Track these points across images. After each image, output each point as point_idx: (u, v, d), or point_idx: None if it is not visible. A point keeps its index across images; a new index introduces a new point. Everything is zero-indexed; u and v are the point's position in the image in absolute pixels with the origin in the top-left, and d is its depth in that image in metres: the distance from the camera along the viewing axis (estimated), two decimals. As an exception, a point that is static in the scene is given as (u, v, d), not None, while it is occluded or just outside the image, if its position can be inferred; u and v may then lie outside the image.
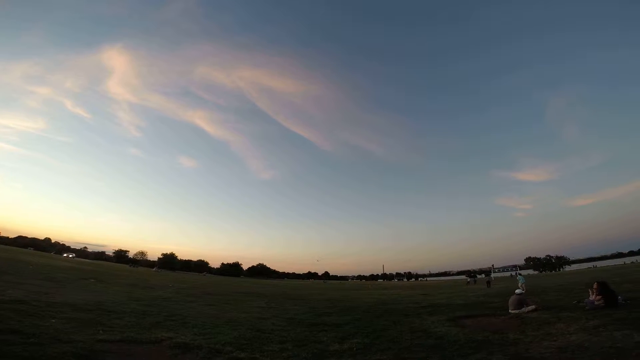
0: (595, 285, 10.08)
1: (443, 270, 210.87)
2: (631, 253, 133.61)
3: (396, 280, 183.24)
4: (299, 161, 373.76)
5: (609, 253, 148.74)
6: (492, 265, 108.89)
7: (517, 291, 11.42)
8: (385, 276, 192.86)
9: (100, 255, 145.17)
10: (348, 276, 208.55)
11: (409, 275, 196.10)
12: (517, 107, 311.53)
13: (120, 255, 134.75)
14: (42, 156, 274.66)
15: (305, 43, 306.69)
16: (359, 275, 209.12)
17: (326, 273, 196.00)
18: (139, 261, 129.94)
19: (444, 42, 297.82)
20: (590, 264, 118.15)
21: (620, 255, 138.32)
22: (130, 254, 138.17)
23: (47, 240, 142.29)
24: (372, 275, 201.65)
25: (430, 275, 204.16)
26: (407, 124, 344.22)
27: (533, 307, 10.37)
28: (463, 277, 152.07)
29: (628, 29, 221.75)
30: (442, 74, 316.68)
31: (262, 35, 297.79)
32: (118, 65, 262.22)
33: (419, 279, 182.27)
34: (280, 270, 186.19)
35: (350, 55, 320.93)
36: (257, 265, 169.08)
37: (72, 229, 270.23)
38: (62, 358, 4.79)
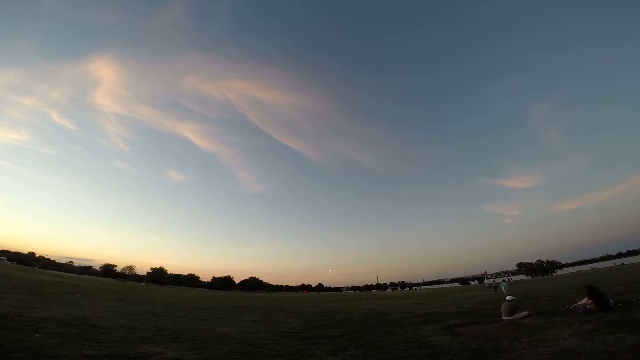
0: (585, 290, 10.18)
1: (437, 279, 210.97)
2: (620, 255, 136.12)
3: (390, 289, 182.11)
4: (289, 174, 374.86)
5: (598, 255, 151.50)
6: (485, 272, 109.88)
7: (509, 298, 11.45)
8: (379, 286, 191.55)
9: (86, 270, 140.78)
10: (342, 287, 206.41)
11: (402, 285, 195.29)
12: (501, 116, 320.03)
13: (108, 270, 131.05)
14: (25, 170, 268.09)
15: (294, 55, 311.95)
16: (353, 286, 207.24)
17: (320, 284, 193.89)
18: (128, 275, 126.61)
19: (430, 52, 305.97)
20: (582, 267, 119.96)
21: (609, 257, 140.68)
22: (118, 269, 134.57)
23: (31, 254, 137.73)
24: (367, 285, 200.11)
25: (424, 283, 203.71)
26: (396, 133, 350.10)
27: (526, 313, 10.39)
28: (457, 284, 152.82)
29: (608, 27, 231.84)
30: (429, 83, 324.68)
31: (251, 47, 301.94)
32: (105, 76, 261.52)
33: (413, 287, 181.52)
34: (273, 283, 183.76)
35: (339, 66, 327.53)
36: (250, 278, 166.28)
37: (58, 243, 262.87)
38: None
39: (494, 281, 62.81)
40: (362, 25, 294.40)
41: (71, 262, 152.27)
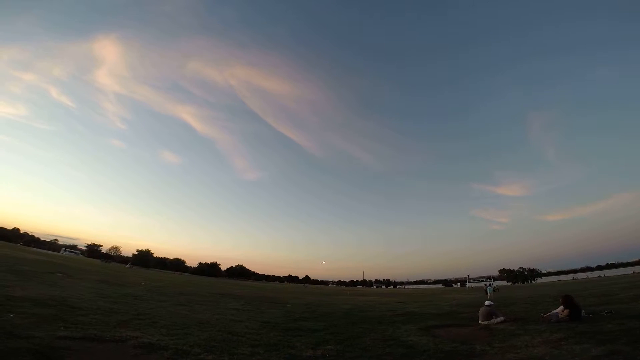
0: (561, 299, 10.46)
1: (421, 279, 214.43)
2: (599, 267, 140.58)
3: (375, 287, 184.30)
4: (286, 164, 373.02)
5: (578, 267, 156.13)
6: (468, 276, 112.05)
7: (487, 302, 11.69)
8: (364, 282, 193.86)
9: (71, 249, 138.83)
10: (328, 281, 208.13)
11: (387, 283, 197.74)
12: (501, 124, 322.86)
13: (93, 250, 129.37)
14: (19, 143, 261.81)
15: (303, 42, 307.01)
16: (339, 281, 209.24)
17: (307, 277, 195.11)
18: (112, 257, 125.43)
19: (438, 44, 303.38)
20: (561, 277, 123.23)
21: (589, 269, 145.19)
22: (104, 249, 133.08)
23: (16, 230, 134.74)
24: (352, 281, 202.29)
25: (409, 283, 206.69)
26: (396, 131, 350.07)
27: (502, 318, 10.65)
28: (440, 285, 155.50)
29: (610, 50, 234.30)
30: (435, 82, 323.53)
31: (260, 32, 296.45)
32: (109, 56, 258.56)
33: (397, 286, 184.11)
34: (260, 272, 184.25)
35: (346, 59, 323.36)
36: (236, 266, 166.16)
37: (45, 220, 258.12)
38: (17, 354, 4.57)
39: (485, 284, 64.96)
40: (376, 13, 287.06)
41: (56, 240, 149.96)
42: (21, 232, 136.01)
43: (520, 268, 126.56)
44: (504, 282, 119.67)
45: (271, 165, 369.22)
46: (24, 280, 14.78)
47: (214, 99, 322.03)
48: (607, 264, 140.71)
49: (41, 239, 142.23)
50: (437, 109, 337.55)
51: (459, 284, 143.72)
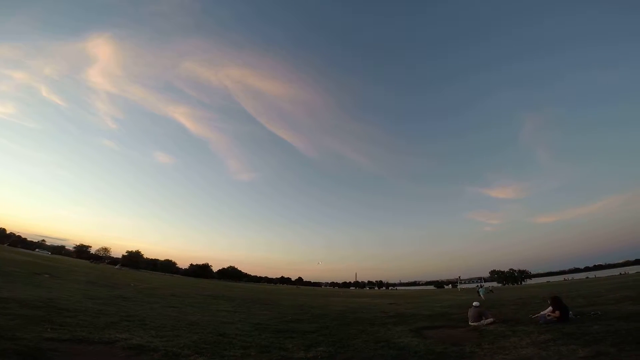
0: (550, 300, 10.64)
1: (413, 280, 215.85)
2: (586, 269, 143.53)
3: (367, 288, 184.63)
4: (280, 165, 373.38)
5: (567, 268, 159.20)
6: (459, 277, 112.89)
7: (475, 304, 11.80)
8: (357, 284, 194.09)
9: (59, 250, 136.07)
10: (321, 282, 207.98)
11: (380, 284, 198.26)
12: (494, 129, 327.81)
13: (82, 251, 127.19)
14: (7, 142, 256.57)
15: (298, 43, 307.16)
16: (332, 282, 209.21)
17: (299, 278, 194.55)
18: (102, 258, 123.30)
19: (433, 44, 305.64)
20: (550, 278, 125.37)
21: (577, 270, 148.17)
22: (93, 250, 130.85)
23: (2, 230, 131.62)
24: (345, 282, 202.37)
25: (401, 284, 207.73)
26: (390, 132, 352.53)
27: (491, 320, 10.78)
28: (431, 287, 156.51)
29: (603, 51, 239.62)
30: (429, 83, 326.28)
31: (255, 33, 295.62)
32: (102, 55, 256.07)
33: (390, 287, 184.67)
34: (253, 274, 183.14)
35: (341, 58, 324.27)
36: (228, 267, 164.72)
37: (32, 220, 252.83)
38: (3, 356, 4.50)
39: (477, 285, 65.73)
40: (375, 13, 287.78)
41: (43, 240, 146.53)
42: (7, 232, 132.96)
43: (510, 269, 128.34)
44: (495, 284, 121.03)
45: (265, 166, 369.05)
46: (10, 281, 14.46)
47: (208, 99, 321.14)
48: (595, 266, 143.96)
49: (28, 239, 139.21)
50: (430, 111, 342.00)
51: (450, 285, 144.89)
